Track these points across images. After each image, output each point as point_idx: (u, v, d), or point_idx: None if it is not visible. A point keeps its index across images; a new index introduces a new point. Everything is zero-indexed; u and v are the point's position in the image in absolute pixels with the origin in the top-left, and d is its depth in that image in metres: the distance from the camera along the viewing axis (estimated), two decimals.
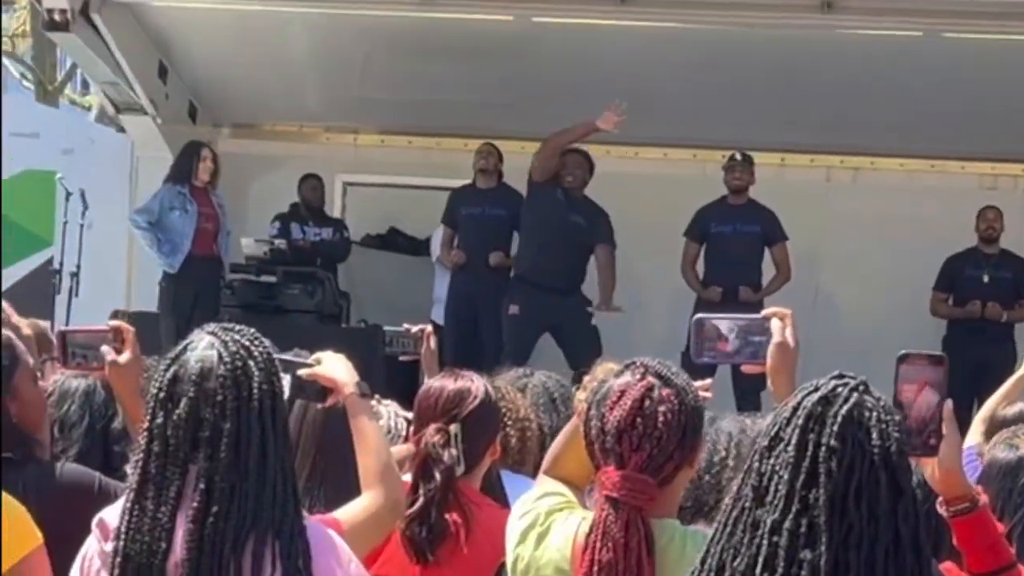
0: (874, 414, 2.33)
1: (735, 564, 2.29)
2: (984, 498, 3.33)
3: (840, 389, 2.35)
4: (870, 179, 12.62)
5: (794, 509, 2.27)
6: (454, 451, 4.04)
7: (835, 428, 2.30)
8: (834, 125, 11.94)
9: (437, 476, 3.98)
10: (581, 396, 5.22)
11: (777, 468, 2.31)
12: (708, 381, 3.46)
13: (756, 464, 2.34)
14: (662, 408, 3.16)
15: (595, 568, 3.09)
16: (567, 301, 11.20)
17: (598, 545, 3.10)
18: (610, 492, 3.12)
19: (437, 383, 4.23)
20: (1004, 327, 11.39)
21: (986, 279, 11.56)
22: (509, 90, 12.03)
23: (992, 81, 11.22)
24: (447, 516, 4.00)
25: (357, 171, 13.12)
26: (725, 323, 3.44)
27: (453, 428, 4.08)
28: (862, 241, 12.18)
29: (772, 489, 2.30)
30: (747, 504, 2.32)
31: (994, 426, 6.06)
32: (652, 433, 3.14)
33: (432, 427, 4.08)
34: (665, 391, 3.18)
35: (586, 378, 5.34)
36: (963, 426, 6.21)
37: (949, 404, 3.13)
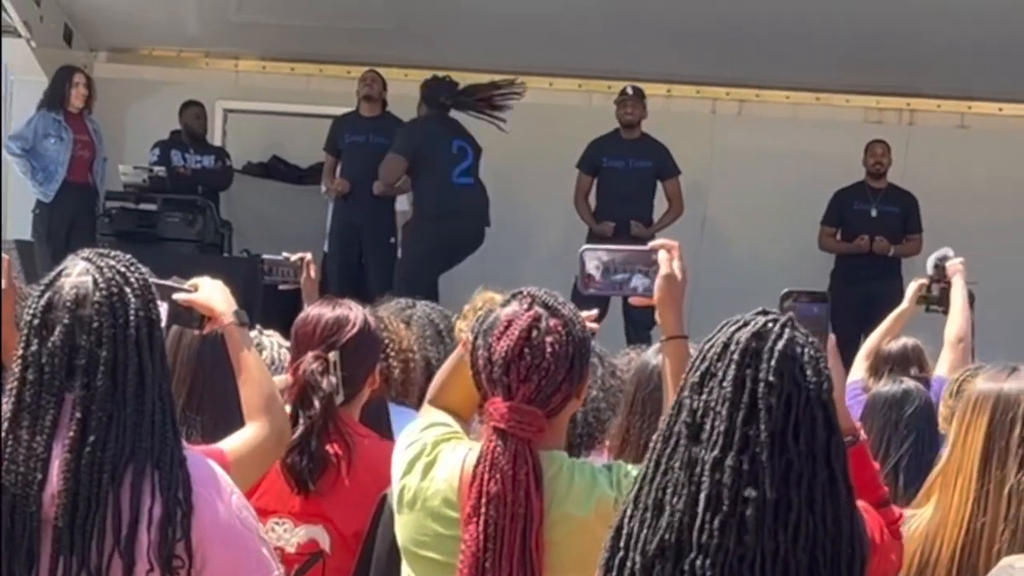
0: (806, 350, 2.30)
1: (674, 502, 2.26)
2: (863, 434, 3.33)
3: (771, 325, 2.32)
4: (756, 111, 12.65)
5: (735, 446, 2.24)
6: (333, 379, 4.01)
7: (772, 364, 2.27)
8: (720, 56, 11.95)
9: (316, 404, 3.94)
10: (462, 325, 5.19)
11: (712, 404, 2.27)
12: (594, 312, 3.43)
13: (687, 400, 2.30)
14: (550, 339, 3.13)
15: (483, 499, 3.06)
16: None
17: (486, 476, 3.07)
18: (498, 423, 3.10)
19: (315, 311, 4.18)
20: (891, 262, 11.48)
21: (874, 213, 11.65)
22: (392, 17, 11.89)
23: (877, 14, 11.25)
24: (327, 446, 3.95)
25: (238, 98, 12.97)
26: (613, 255, 3.43)
27: (332, 356, 4.04)
28: (749, 174, 12.23)
29: (709, 426, 2.26)
30: (681, 441, 2.28)
31: (878, 361, 6.11)
32: (540, 364, 3.11)
33: (310, 354, 4.03)
34: (552, 321, 3.15)
35: (465, 307, 5.29)
36: (850, 360, 6.27)
37: (832, 339, 3.15)
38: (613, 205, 11.36)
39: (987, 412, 3.51)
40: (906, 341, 6.23)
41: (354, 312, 4.17)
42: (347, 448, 3.98)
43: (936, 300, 6.51)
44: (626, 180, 11.37)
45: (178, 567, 2.71)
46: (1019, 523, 3.42)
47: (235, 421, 3.90)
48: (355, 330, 4.12)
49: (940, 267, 6.52)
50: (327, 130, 11.86)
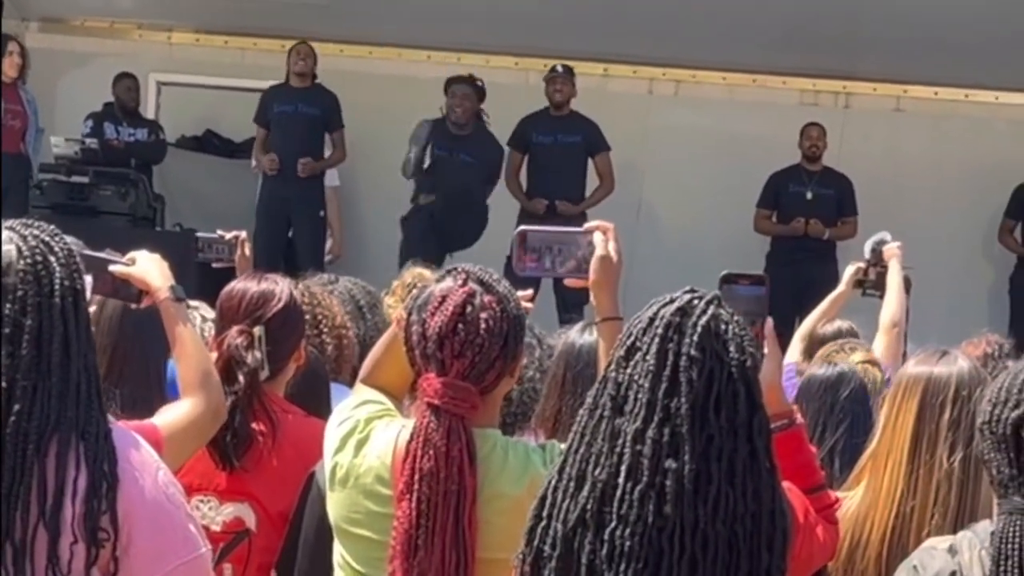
0: (730, 327, 2.31)
1: (596, 473, 2.26)
2: (800, 417, 3.33)
3: (696, 302, 2.32)
4: (692, 92, 12.66)
5: (656, 418, 2.24)
6: (258, 354, 3.96)
7: (694, 338, 2.27)
8: (657, 37, 11.93)
9: (241, 378, 3.89)
10: (391, 301, 5.17)
11: (636, 377, 2.27)
12: (529, 292, 3.42)
13: (612, 374, 2.31)
14: (484, 315, 3.11)
15: (416, 476, 3.05)
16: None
17: (419, 453, 3.05)
18: (431, 399, 3.08)
19: (240, 284, 4.14)
20: (826, 245, 11.53)
21: (809, 196, 11.70)
22: None
23: None
24: (252, 423, 3.91)
25: (171, 70, 12.88)
26: (548, 235, 3.43)
27: (257, 330, 3.99)
28: (685, 155, 12.25)
29: (632, 398, 2.27)
30: (605, 413, 2.29)
31: (813, 343, 6.13)
32: (474, 340, 3.09)
33: (235, 329, 3.99)
34: (487, 298, 3.14)
35: (395, 283, 5.27)
36: (785, 342, 6.28)
37: (770, 322, 3.15)
38: (544, 182, 11.35)
39: (917, 395, 3.54)
40: (840, 324, 6.25)
41: (280, 287, 4.12)
42: (272, 425, 3.94)
43: (873, 284, 6.53)
44: (555, 156, 11.35)
45: (103, 540, 2.66)
46: (948, 506, 3.45)
47: (155, 394, 3.87)
48: (280, 305, 4.06)
49: (877, 251, 6.55)
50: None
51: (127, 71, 12.13)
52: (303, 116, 11.47)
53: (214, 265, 6.41)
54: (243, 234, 6.34)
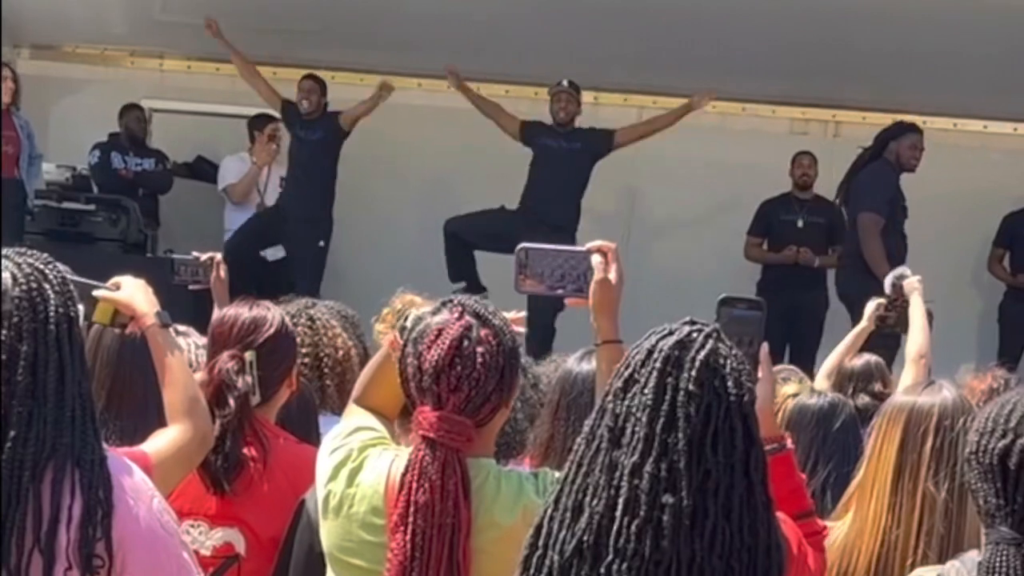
0: (729, 361, 2.30)
1: (593, 505, 2.25)
2: (790, 442, 3.34)
3: (695, 335, 2.31)
4: (683, 120, 12.65)
5: (654, 452, 2.24)
6: (249, 379, 3.99)
7: (693, 373, 2.27)
8: (647, 65, 11.96)
9: (232, 403, 3.92)
10: (380, 327, 5.18)
11: (634, 410, 2.27)
12: (523, 314, 3.41)
13: (610, 405, 2.30)
14: (480, 349, 3.12)
15: (411, 508, 3.05)
16: None
17: (414, 485, 3.06)
18: (427, 432, 3.08)
19: (232, 311, 4.17)
20: (816, 273, 11.57)
21: (800, 224, 11.73)
22: (319, 19, 11.83)
23: (803, 25, 11.31)
24: (243, 448, 3.93)
25: (163, 97, 12.90)
26: (549, 254, 3.40)
27: (248, 355, 4.02)
28: (675, 183, 12.27)
29: (629, 431, 2.26)
30: (603, 444, 2.28)
31: (841, 378, 6.15)
32: (471, 374, 3.10)
33: (226, 354, 4.02)
34: (483, 331, 3.14)
35: (384, 309, 5.28)
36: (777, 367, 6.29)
37: (765, 347, 3.16)
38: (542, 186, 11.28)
39: (900, 425, 3.55)
40: (868, 358, 6.27)
41: (272, 313, 4.16)
42: (263, 450, 3.96)
43: (894, 319, 6.53)
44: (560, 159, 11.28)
45: (98, 567, 2.67)
46: (933, 535, 3.46)
47: (153, 425, 3.86)
48: (272, 331, 4.10)
49: (897, 286, 6.55)
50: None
51: (134, 102, 12.20)
52: (310, 142, 11.50)
53: (190, 287, 6.41)
54: (218, 256, 6.34)
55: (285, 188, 11.64)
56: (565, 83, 11.43)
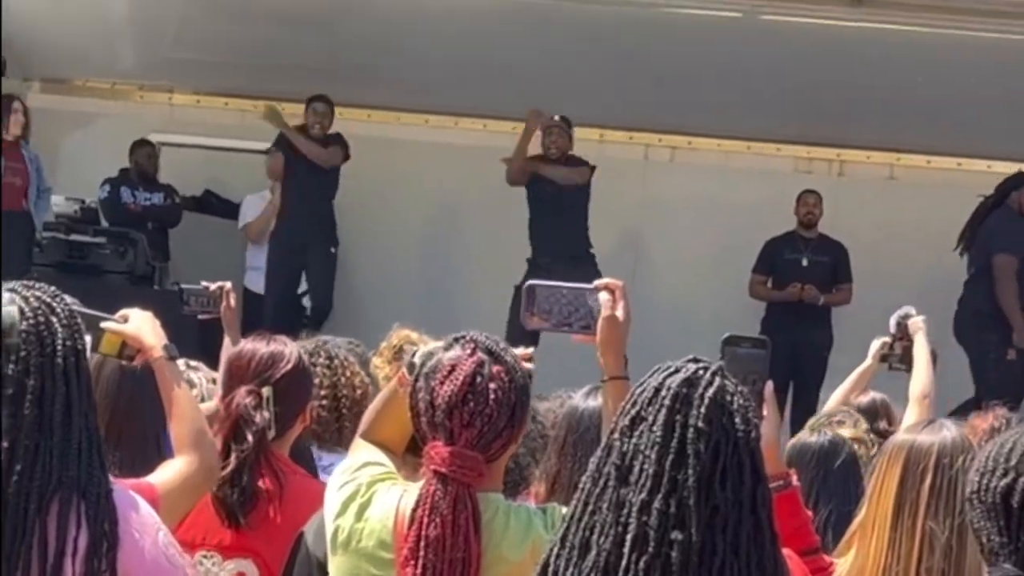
0: (736, 399, 2.31)
1: (601, 542, 2.25)
2: (795, 479, 3.35)
3: (702, 372, 2.32)
4: (688, 158, 12.73)
5: (663, 489, 2.24)
6: (266, 413, 4.00)
7: (702, 410, 2.27)
8: (653, 103, 11.99)
9: (249, 438, 3.93)
10: (378, 362, 5.19)
11: (642, 447, 2.27)
12: (531, 350, 3.42)
13: (617, 443, 2.30)
14: (493, 385, 3.12)
15: (422, 543, 3.05)
16: None
17: (425, 520, 3.06)
18: (439, 467, 3.09)
19: (250, 345, 4.18)
20: (821, 311, 11.57)
21: (805, 263, 11.73)
22: (326, 54, 11.88)
23: (808, 65, 11.36)
24: (259, 481, 3.95)
25: (172, 131, 12.91)
26: (557, 291, 3.40)
27: (265, 391, 4.03)
28: (680, 220, 12.28)
29: (637, 468, 2.26)
30: (610, 482, 2.28)
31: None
32: (483, 410, 3.10)
33: (243, 389, 4.03)
34: (496, 368, 3.15)
35: (382, 344, 5.30)
36: (780, 406, 6.30)
37: (770, 385, 3.17)
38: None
39: (900, 462, 3.55)
40: (874, 395, 6.27)
41: (288, 348, 4.17)
42: (278, 483, 3.98)
43: (899, 358, 6.53)
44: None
45: None
46: (932, 572, 3.46)
47: (152, 456, 3.88)
48: (289, 366, 4.12)
49: (902, 325, 6.56)
50: (261, 165, 11.83)
51: (145, 138, 12.24)
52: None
53: (200, 317, 6.43)
54: (228, 285, 6.33)
55: (288, 209, 11.63)
56: (557, 117, 11.46)
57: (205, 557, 3.91)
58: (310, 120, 11.55)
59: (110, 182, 12.01)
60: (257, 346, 4.15)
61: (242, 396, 4.00)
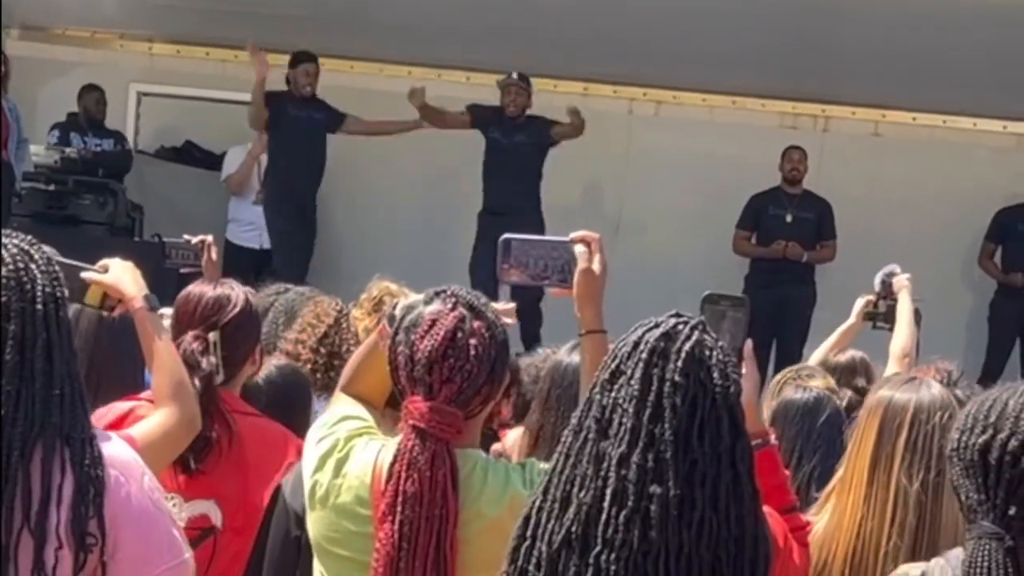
0: (714, 353, 2.32)
1: (581, 496, 2.26)
2: (774, 437, 3.35)
3: (681, 327, 2.33)
4: (673, 113, 12.70)
5: (641, 443, 2.25)
6: (213, 359, 4.01)
7: (679, 364, 2.28)
8: (638, 57, 11.95)
9: (196, 383, 3.90)
10: (357, 313, 5.18)
11: (620, 401, 2.28)
12: (512, 306, 3.40)
13: (597, 396, 2.31)
14: (473, 341, 3.12)
15: (399, 498, 3.05)
16: None
17: (403, 476, 3.06)
18: (417, 422, 3.08)
19: (196, 289, 4.18)
20: (805, 268, 11.59)
21: (789, 219, 11.73)
22: (308, 5, 11.82)
23: (794, 21, 11.32)
24: (209, 427, 3.93)
25: (152, 81, 12.88)
26: (532, 244, 3.38)
27: (212, 336, 4.04)
28: (665, 175, 12.28)
29: (616, 422, 2.27)
30: (590, 435, 2.29)
31: (827, 373, 6.12)
32: (463, 366, 3.10)
33: (190, 334, 4.03)
34: (476, 323, 3.14)
35: (362, 296, 5.29)
36: (763, 364, 6.29)
37: (750, 343, 3.17)
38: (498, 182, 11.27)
39: (877, 418, 3.57)
40: (853, 353, 6.25)
41: (236, 292, 4.17)
42: (227, 427, 3.99)
43: (883, 316, 6.53)
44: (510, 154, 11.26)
45: (91, 544, 2.66)
46: (906, 527, 3.48)
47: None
48: (236, 310, 4.12)
49: (887, 283, 6.55)
50: (241, 116, 11.75)
51: (95, 82, 12.10)
52: (314, 120, 11.46)
53: (182, 270, 6.42)
54: (209, 238, 6.36)
55: (278, 168, 11.55)
56: (515, 75, 11.37)
57: (166, 499, 3.91)
58: (301, 81, 11.45)
59: (59, 127, 11.90)
60: (204, 290, 4.15)
61: (189, 342, 4.00)
